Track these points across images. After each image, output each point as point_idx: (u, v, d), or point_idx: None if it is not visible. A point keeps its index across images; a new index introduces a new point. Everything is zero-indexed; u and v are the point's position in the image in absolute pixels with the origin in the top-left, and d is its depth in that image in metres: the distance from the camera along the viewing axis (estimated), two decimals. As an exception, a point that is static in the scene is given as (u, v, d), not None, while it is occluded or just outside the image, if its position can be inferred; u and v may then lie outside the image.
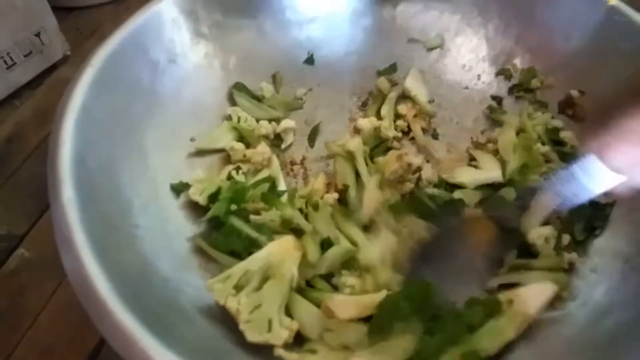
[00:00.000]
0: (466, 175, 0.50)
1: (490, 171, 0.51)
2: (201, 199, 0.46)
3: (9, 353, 0.46)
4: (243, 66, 0.56)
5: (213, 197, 0.46)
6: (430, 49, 0.60)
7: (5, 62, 0.62)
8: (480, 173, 0.51)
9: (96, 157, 0.41)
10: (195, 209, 0.47)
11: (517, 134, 0.52)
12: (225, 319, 0.39)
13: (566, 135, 0.52)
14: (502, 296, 0.40)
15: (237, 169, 0.50)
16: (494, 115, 0.56)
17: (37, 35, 0.65)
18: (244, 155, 0.51)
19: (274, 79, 0.58)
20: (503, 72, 0.58)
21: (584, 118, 0.52)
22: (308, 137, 0.56)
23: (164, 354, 0.30)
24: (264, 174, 0.49)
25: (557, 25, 0.53)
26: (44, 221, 0.55)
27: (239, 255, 0.43)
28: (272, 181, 0.48)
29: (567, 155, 0.50)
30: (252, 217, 0.45)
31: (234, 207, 0.46)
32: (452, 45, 0.59)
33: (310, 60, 0.59)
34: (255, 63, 0.56)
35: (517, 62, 0.57)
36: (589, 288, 0.41)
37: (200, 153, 0.51)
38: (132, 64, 0.47)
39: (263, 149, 0.50)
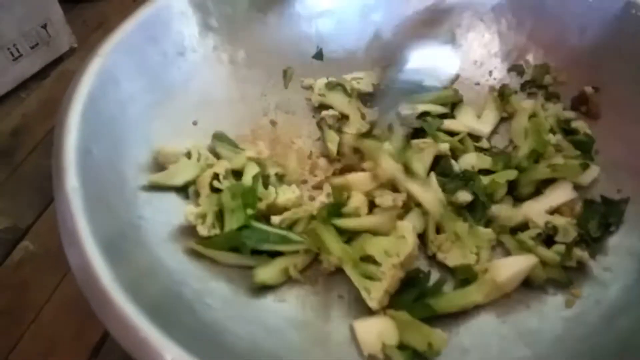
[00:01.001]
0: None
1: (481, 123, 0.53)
2: (206, 229, 0.42)
3: (13, 346, 0.46)
4: (251, 60, 0.55)
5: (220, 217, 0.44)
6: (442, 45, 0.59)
7: (11, 53, 0.62)
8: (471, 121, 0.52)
9: (102, 147, 0.40)
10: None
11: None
12: (229, 313, 0.39)
13: (578, 124, 0.51)
14: (481, 265, 0.42)
15: (215, 177, 0.46)
16: (504, 102, 0.54)
17: (44, 27, 0.64)
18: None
19: (285, 74, 0.57)
20: (515, 69, 0.57)
21: (598, 115, 0.51)
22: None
23: (166, 344, 0.29)
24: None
25: (571, 20, 0.52)
26: (49, 214, 0.54)
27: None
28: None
29: (582, 144, 0.49)
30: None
31: (250, 211, 0.43)
32: (463, 40, 0.58)
33: (319, 55, 0.58)
34: (263, 57, 0.56)
35: (530, 58, 0.56)
36: (603, 287, 0.40)
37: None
38: (140, 55, 0.47)
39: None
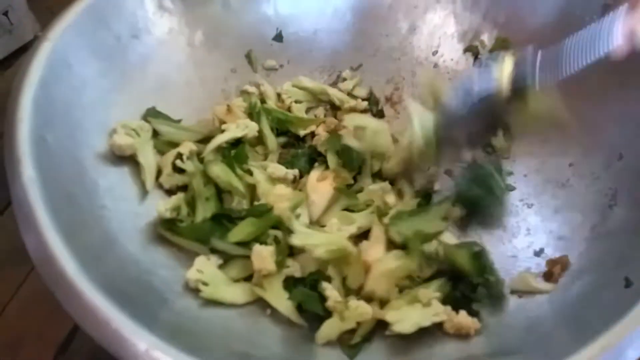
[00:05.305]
0: None
1: None
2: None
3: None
4: (209, 42, 0.54)
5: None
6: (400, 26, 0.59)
7: (-29, 43, 0.59)
8: None
9: (57, 136, 0.39)
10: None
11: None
12: (200, 299, 0.39)
13: None
14: None
15: (179, 156, 0.45)
16: None
17: (5, 14, 0.61)
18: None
19: (249, 58, 0.56)
20: (471, 49, 0.58)
21: None
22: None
23: (138, 333, 0.29)
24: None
25: (524, -1, 0.54)
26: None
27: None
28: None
29: None
30: None
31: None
32: (421, 22, 0.59)
33: (279, 37, 0.58)
34: (222, 39, 0.55)
35: (485, 38, 0.57)
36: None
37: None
38: (92, 39, 0.45)
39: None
